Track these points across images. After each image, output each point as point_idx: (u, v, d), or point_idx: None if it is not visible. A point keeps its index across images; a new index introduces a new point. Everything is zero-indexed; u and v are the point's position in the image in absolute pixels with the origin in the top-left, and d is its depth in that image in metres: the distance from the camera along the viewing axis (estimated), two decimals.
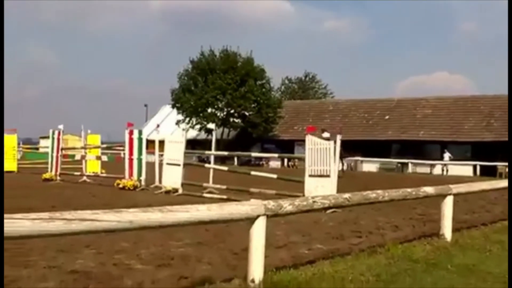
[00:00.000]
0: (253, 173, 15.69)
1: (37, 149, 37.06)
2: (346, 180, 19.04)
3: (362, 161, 41.62)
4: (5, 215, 3.13)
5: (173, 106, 47.56)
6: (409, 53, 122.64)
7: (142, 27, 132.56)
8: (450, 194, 8.01)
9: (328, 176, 11.88)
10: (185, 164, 15.51)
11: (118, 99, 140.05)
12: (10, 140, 26.80)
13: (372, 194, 6.49)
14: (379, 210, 10.91)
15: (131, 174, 16.67)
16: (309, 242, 7.62)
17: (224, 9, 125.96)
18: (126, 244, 6.86)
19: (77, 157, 22.67)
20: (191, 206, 4.36)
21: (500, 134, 37.35)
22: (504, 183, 11.33)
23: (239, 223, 7.38)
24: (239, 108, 45.10)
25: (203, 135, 45.47)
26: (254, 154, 28.53)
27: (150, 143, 20.02)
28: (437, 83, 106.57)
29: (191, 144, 35.89)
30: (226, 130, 47.17)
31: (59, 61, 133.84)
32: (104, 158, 22.46)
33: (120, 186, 16.20)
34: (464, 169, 36.57)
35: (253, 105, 45.79)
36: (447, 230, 7.86)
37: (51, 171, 20.40)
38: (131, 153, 16.95)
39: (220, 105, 45.40)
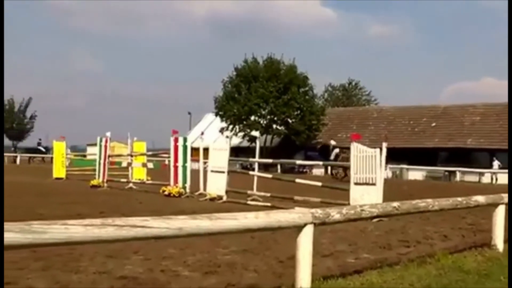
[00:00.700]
0: (298, 180, 15.62)
1: (85, 156, 37.88)
2: (390, 188, 18.73)
3: (408, 169, 40.96)
4: (59, 221, 3.19)
5: (216, 114, 47.93)
6: (456, 58, 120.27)
7: (187, 35, 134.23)
8: (502, 204, 7.78)
9: (374, 184, 11.72)
10: (229, 172, 15.58)
11: (163, 107, 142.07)
12: (59, 147, 27.47)
13: (421, 203, 6.36)
14: (427, 219, 10.69)
15: (176, 181, 16.83)
16: (355, 251, 7.52)
17: (267, 16, 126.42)
18: (173, 250, 6.91)
19: (124, 164, 23.08)
20: (239, 213, 4.36)
21: None
22: None
23: (284, 231, 7.38)
24: (282, 115, 45.08)
25: (246, 143, 45.61)
26: (299, 162, 28.45)
27: (195, 150, 20.18)
28: (485, 89, 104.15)
29: (235, 151, 35.99)
30: (269, 137, 47.20)
31: (106, 70, 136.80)
32: (150, 165, 22.77)
33: (166, 193, 16.38)
34: None
35: (296, 113, 45.71)
36: (499, 240, 7.63)
37: (98, 178, 20.81)
38: (176, 160, 17.12)
39: (263, 113, 45.48)
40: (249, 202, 14.13)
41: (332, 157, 33.88)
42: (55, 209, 11.88)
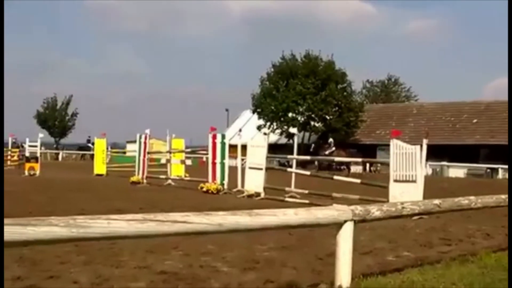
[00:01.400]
0: (336, 177, 15.54)
1: (124, 153, 38.47)
2: (431, 186, 18.43)
3: (448, 167, 40.25)
4: (103, 216, 3.24)
5: (253, 111, 47.98)
6: (498, 53, 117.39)
7: (224, 32, 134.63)
8: None
9: (414, 181, 11.55)
10: (267, 168, 15.59)
11: (200, 104, 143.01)
12: (100, 144, 27.97)
13: (464, 201, 6.23)
14: (468, 217, 10.47)
15: (214, 178, 16.93)
16: (395, 249, 7.42)
17: (305, 12, 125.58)
18: (212, 246, 6.96)
19: (163, 161, 23.34)
20: (279, 210, 4.35)
21: None
22: None
23: (323, 228, 7.34)
24: (320, 112, 44.83)
25: (283, 140, 45.55)
26: (337, 159, 28.17)
27: (232, 147, 20.26)
28: None
29: (272, 148, 36.00)
30: (306, 134, 47.02)
31: (146, 68, 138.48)
32: (188, 162, 22.97)
33: (204, 189, 16.50)
34: None
35: (334, 109, 45.40)
36: None
37: (138, 174, 21.10)
38: (214, 157, 17.22)
39: (301, 110, 45.32)
40: (286, 199, 14.11)
41: (327, 152, 33.79)
42: (96, 204, 12.10)
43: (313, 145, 33.37)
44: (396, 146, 12.04)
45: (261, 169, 15.39)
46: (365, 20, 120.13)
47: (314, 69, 44.86)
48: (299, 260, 6.42)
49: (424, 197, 10.36)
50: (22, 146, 29.69)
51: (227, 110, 63.26)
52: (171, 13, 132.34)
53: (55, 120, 66.94)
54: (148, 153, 21.67)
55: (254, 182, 15.45)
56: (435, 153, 29.79)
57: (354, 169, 40.87)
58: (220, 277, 5.47)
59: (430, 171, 37.27)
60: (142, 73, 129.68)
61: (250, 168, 15.81)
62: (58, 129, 66.97)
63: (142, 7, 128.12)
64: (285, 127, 45.55)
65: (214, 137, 17.39)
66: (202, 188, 16.65)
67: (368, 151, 41.32)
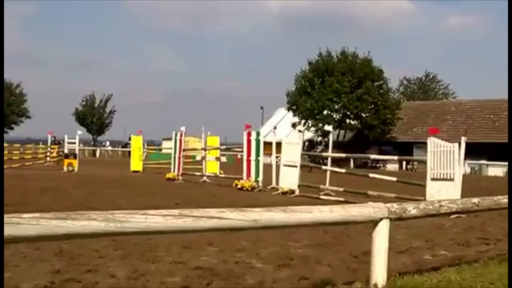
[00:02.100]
0: (371, 175, 15.39)
1: (160, 150, 38.88)
2: (469, 184, 18.10)
3: (487, 165, 39.44)
4: (140, 211, 3.29)
5: (288, 109, 47.89)
6: None
7: (260, 30, 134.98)
8: None
9: (452, 180, 11.36)
10: (301, 166, 15.55)
11: (235, 102, 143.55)
12: (137, 142, 28.36)
13: (503, 199, 6.10)
14: (507, 217, 10.23)
15: (249, 175, 16.97)
16: (432, 248, 7.32)
17: (341, 9, 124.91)
18: (246, 243, 6.98)
19: (198, 158, 23.51)
20: (314, 207, 4.34)
21: None
22: None
23: (358, 226, 7.28)
24: (356, 110, 44.47)
25: (318, 137, 45.35)
26: (373, 156, 27.91)
27: (267, 145, 20.27)
28: None
29: (307, 146, 35.95)
30: (341, 132, 46.72)
31: (182, 66, 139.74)
32: (223, 159, 23.08)
33: (239, 186, 16.56)
34: None
35: (370, 107, 44.99)
36: None
37: (173, 171, 21.30)
38: (249, 155, 17.26)
39: (336, 107, 45.04)
40: (321, 197, 14.06)
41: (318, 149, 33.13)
42: (133, 200, 12.28)
43: (306, 143, 32.62)
44: (434, 144, 11.86)
45: (295, 166, 15.36)
46: (403, 17, 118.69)
47: (351, 67, 44.50)
48: (333, 258, 6.39)
49: (462, 196, 10.18)
50: (60, 143, 30.31)
51: (261, 107, 63.33)
52: (207, 11, 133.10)
53: (93, 117, 68.15)
54: (184, 150, 21.85)
55: (289, 179, 15.43)
56: (473, 151, 29.22)
57: (390, 167, 40.45)
58: (255, 273, 5.49)
59: (468, 170, 36.58)
60: (178, 71, 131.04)
61: (285, 165, 15.80)
62: (95, 126, 68.19)
63: (177, 6, 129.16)
64: (320, 124, 45.33)
65: (249, 134, 17.43)
66: (237, 185, 16.71)
67: (405, 149, 40.80)
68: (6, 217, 2.82)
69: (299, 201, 12.61)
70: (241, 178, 17.07)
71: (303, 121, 45.88)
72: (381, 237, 4.70)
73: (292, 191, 15.06)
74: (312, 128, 45.58)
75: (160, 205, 10.69)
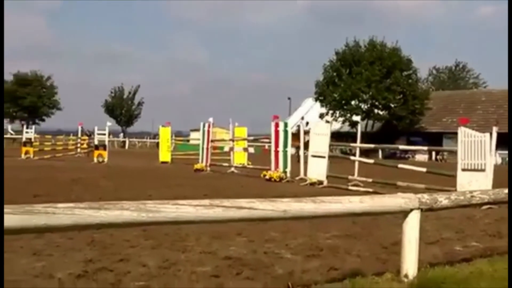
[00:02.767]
0: (400, 166, 15.26)
1: (188, 141, 39.13)
2: (500, 175, 17.81)
3: None
4: (171, 201, 3.32)
5: (316, 99, 47.68)
6: None
7: (287, 21, 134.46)
8: None
9: (483, 170, 11.20)
10: (329, 157, 15.49)
11: (262, 93, 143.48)
12: (165, 133, 28.57)
13: None
14: None
15: (276, 166, 16.98)
16: (463, 239, 7.24)
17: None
18: (275, 233, 7.00)
19: (226, 149, 23.61)
20: (343, 197, 4.33)
21: None
22: None
23: (387, 217, 7.24)
24: (384, 100, 44.06)
25: (346, 128, 45.11)
26: (401, 147, 27.63)
27: (295, 135, 20.24)
28: None
29: (335, 136, 35.73)
30: (370, 122, 46.37)
31: (209, 58, 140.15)
32: (251, 150, 23.13)
33: (267, 177, 16.58)
34: None
35: (398, 97, 44.53)
36: None
37: (201, 162, 21.42)
38: (276, 145, 17.26)
39: (364, 97, 44.70)
40: (350, 188, 13.99)
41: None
42: (162, 191, 12.39)
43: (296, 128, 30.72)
44: (465, 134, 11.70)
45: (323, 157, 15.31)
46: (432, 5, 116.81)
47: (379, 56, 44.07)
48: (363, 248, 6.36)
49: (494, 187, 10.02)
50: (90, 135, 30.74)
51: (289, 98, 63.18)
52: (234, 1, 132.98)
53: (122, 109, 68.93)
54: (212, 141, 21.95)
55: (317, 170, 15.39)
56: (504, 142, 28.67)
57: (419, 158, 40.02)
58: (284, 263, 5.50)
59: (499, 160, 35.94)
60: (205, 62, 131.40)
61: (313, 156, 15.76)
62: (124, 118, 68.95)
63: None
64: (348, 115, 45.07)
65: (277, 125, 17.41)
66: (264, 176, 16.73)
67: (434, 140, 40.33)
68: (41, 207, 2.88)
69: (327, 192, 12.57)
70: (269, 169, 17.08)
71: (330, 111, 45.66)
72: (411, 228, 4.66)
73: (320, 182, 15.03)
74: (340, 119, 45.35)
75: (189, 196, 10.76)
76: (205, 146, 21.60)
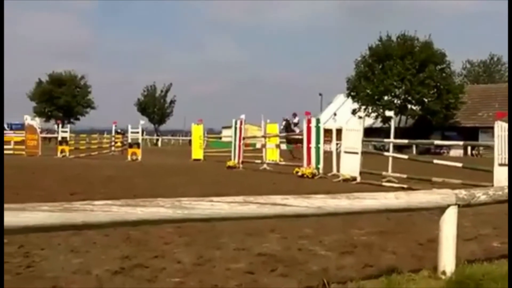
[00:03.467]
0: (435, 161, 15.04)
1: (220, 138, 39.29)
2: None
3: None
4: (206, 198, 3.33)
5: (348, 95, 47.36)
6: None
7: (318, 17, 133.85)
8: None
9: None
10: (363, 153, 15.36)
11: (294, 89, 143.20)
12: (198, 130, 28.74)
13: None
14: None
15: (309, 162, 16.92)
16: (501, 235, 7.07)
17: None
18: (308, 230, 6.97)
19: (258, 145, 23.62)
20: (378, 193, 4.28)
21: None
22: None
23: (422, 213, 7.14)
24: (418, 95, 43.48)
25: (379, 123, 44.69)
26: (436, 142, 27.19)
27: (327, 131, 20.13)
28: None
29: (367, 132, 35.44)
30: (403, 117, 45.83)
31: (240, 55, 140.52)
32: (283, 146, 23.08)
33: (299, 174, 16.52)
34: None
35: (432, 91, 43.89)
36: None
37: (234, 159, 21.48)
38: (309, 142, 17.19)
39: (397, 92, 44.20)
40: (383, 184, 13.85)
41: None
42: (195, 188, 12.46)
43: (284, 122, 27.86)
44: (501, 128, 11.47)
45: (356, 153, 15.19)
46: None
47: (411, 50, 43.50)
48: (398, 245, 6.29)
49: None
50: (124, 133, 31.14)
51: (320, 94, 62.92)
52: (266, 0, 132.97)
53: (154, 107, 69.64)
54: (244, 138, 21.99)
55: (350, 166, 15.28)
56: None
57: (454, 153, 39.40)
58: (318, 260, 5.47)
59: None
60: (236, 60, 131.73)
61: (346, 152, 15.66)
62: (157, 116, 69.65)
63: None
64: (381, 110, 44.63)
65: (309, 121, 17.35)
66: (297, 172, 16.69)
67: (469, 134, 39.66)
68: (79, 204, 2.92)
69: (361, 188, 12.47)
70: (301, 165, 17.03)
71: (363, 107, 45.30)
72: (449, 224, 4.59)
73: (354, 178, 14.92)
74: (373, 114, 44.94)
75: (222, 193, 10.81)
76: (237, 143, 21.64)
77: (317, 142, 17.04)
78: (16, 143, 30.71)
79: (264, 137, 22.63)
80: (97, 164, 21.07)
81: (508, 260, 5.64)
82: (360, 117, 30.30)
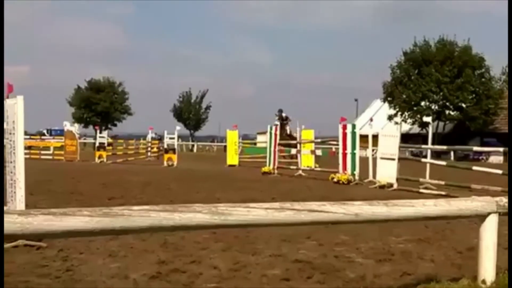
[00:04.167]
0: (475, 168, 14.73)
1: (255, 144, 39.35)
2: None
3: None
4: (242, 204, 3.34)
5: (384, 100, 46.89)
6: None
7: (352, 22, 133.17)
8: None
9: None
10: (399, 159, 15.16)
11: (328, 94, 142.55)
12: (232, 136, 28.85)
13: None
14: None
15: (345, 168, 16.80)
16: None
17: None
18: (345, 237, 6.92)
19: (293, 151, 23.55)
20: (416, 200, 4.22)
21: None
22: None
23: (460, 221, 7.00)
24: (456, 100, 42.75)
25: (416, 129, 44.10)
26: (476, 148, 26.64)
27: (363, 137, 19.95)
28: None
29: (404, 138, 35.01)
30: (440, 123, 45.11)
31: (273, 59, 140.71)
32: (318, 152, 22.97)
33: (335, 180, 16.41)
34: None
35: (471, 97, 43.09)
36: None
37: (269, 165, 21.46)
38: (344, 148, 17.07)
39: (435, 98, 43.54)
40: (421, 190, 13.64)
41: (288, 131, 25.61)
42: (231, 194, 12.50)
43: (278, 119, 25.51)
44: None
45: (393, 159, 15.00)
46: (503, 1, 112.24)
47: (450, 55, 42.81)
48: (436, 253, 6.19)
49: None
50: (160, 139, 31.50)
51: (356, 100, 62.50)
52: (298, 3, 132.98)
53: (190, 113, 70.20)
54: (279, 144, 21.97)
55: (386, 172, 15.09)
56: None
57: (494, 159, 38.56)
58: (355, 268, 5.43)
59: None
60: (270, 65, 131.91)
61: (382, 158, 15.48)
62: (192, 122, 70.18)
63: (272, 1, 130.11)
64: (418, 116, 44.01)
65: (345, 127, 17.23)
66: (333, 178, 16.58)
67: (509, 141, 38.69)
68: (118, 209, 2.96)
69: (398, 195, 12.31)
70: (337, 172, 16.91)
71: (399, 112, 44.77)
72: (489, 233, 4.49)
73: (390, 185, 14.73)
74: (409, 120, 44.38)
75: (257, 199, 10.83)
76: (272, 149, 21.63)
77: (353, 148, 16.91)
78: (56, 148, 31.39)
79: (299, 143, 22.56)
80: (134, 169, 21.35)
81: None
82: (396, 123, 30.01)
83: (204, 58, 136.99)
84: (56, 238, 5.47)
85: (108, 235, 5.32)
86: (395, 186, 14.57)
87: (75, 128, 33.72)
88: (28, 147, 28.94)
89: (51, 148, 31.90)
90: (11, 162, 6.24)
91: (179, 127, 29.58)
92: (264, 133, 24.66)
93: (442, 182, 14.00)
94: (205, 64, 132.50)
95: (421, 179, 14.59)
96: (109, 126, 65.59)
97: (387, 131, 16.34)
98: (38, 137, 38.36)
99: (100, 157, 28.34)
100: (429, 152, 17.29)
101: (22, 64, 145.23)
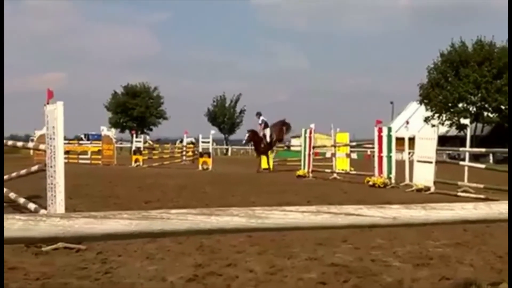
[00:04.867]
0: None
1: (289, 147, 39.27)
2: None
3: None
4: (279, 207, 3.34)
5: (420, 102, 46.26)
6: None
7: (388, 22, 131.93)
8: None
9: None
10: (437, 162, 14.94)
11: (363, 97, 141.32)
12: None
13: None
14: None
15: (380, 172, 16.64)
16: None
17: None
18: (381, 241, 6.86)
19: (327, 154, 23.45)
20: (455, 204, 4.13)
21: None
22: None
23: (500, 224, 6.84)
24: (495, 102, 41.88)
25: (453, 131, 43.38)
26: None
27: (399, 140, 19.71)
28: None
29: (441, 140, 34.51)
30: (479, 125, 44.26)
31: (307, 64, 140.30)
32: (353, 155, 22.81)
33: (370, 183, 16.28)
34: None
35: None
36: None
37: (303, 168, 21.41)
38: (380, 151, 16.92)
39: (473, 99, 42.75)
40: (459, 194, 13.41)
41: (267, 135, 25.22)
42: (265, 197, 12.53)
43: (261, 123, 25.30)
44: None
45: (430, 162, 14.79)
46: None
47: (489, 57, 41.99)
48: (476, 258, 6.09)
49: None
50: (194, 143, 31.73)
51: (391, 102, 61.80)
52: (332, 8, 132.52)
53: (224, 117, 70.57)
54: (313, 147, 21.89)
55: (423, 175, 14.89)
56: None
57: None
58: (392, 272, 5.37)
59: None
60: (304, 69, 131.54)
61: (419, 161, 15.28)
62: (227, 126, 70.52)
63: (301, 5, 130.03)
64: (455, 118, 43.29)
65: (380, 130, 17.07)
66: (368, 182, 16.44)
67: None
68: (156, 213, 2.99)
69: (435, 199, 12.15)
70: (372, 175, 16.76)
71: (436, 115, 44.11)
72: None
73: (427, 188, 14.52)
74: (447, 122, 43.68)
75: (292, 202, 10.82)
76: (306, 152, 21.57)
77: (389, 151, 16.74)
78: (93, 153, 31.95)
79: (334, 146, 22.44)
80: (169, 173, 21.56)
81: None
82: (433, 125, 29.57)
83: (238, 62, 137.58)
84: (96, 241, 5.57)
85: (146, 238, 5.39)
86: (432, 189, 14.36)
87: (112, 133, 34.26)
88: (66, 152, 29.52)
89: (89, 152, 32.49)
90: (51, 166, 6.38)
91: (213, 131, 29.76)
92: (298, 136, 24.57)
93: (481, 185, 13.74)
94: (240, 69, 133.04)
95: (459, 183, 14.35)
96: (145, 130, 66.41)
97: (424, 133, 16.14)
98: (76, 141, 39.11)
99: (136, 161, 28.72)
100: (467, 155, 16.96)
101: (60, 70, 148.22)
